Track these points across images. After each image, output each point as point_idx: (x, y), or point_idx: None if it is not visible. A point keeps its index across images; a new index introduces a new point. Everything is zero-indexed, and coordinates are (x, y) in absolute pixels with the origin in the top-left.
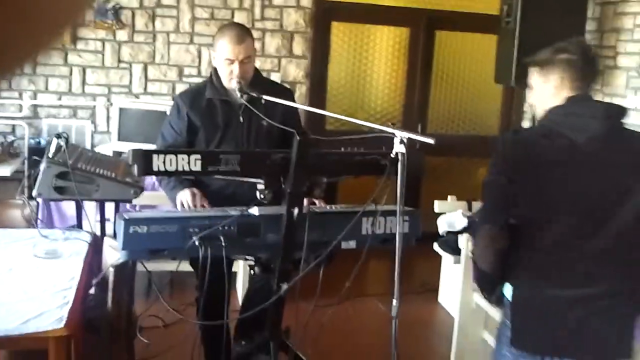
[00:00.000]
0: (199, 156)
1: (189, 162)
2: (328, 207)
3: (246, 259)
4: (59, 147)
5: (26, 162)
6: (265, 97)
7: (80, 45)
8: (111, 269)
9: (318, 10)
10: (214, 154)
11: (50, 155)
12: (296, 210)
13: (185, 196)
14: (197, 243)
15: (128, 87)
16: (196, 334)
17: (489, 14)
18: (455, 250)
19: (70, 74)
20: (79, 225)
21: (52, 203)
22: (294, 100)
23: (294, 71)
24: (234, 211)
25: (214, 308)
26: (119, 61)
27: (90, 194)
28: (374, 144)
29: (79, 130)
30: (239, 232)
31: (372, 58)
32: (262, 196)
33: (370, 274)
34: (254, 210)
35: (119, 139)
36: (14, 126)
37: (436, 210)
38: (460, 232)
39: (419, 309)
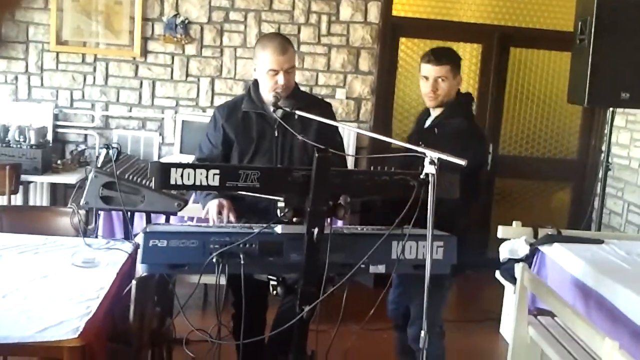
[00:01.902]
0: (217, 171)
1: (207, 177)
2: (359, 228)
3: (269, 279)
4: (108, 158)
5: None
6: (298, 112)
7: (150, 58)
8: (133, 282)
9: (385, 26)
10: (232, 169)
11: (98, 165)
12: (316, 230)
13: (212, 207)
14: (214, 260)
15: (195, 100)
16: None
17: (565, 31)
18: (515, 279)
19: (141, 86)
20: (126, 236)
21: (113, 212)
22: (331, 115)
23: (360, 87)
24: (258, 229)
25: (249, 328)
26: (187, 75)
27: (135, 204)
28: None
29: (147, 142)
30: (261, 250)
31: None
32: (282, 214)
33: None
34: (277, 229)
35: (181, 151)
36: (85, 136)
37: (499, 235)
38: (522, 260)
39: (478, 338)
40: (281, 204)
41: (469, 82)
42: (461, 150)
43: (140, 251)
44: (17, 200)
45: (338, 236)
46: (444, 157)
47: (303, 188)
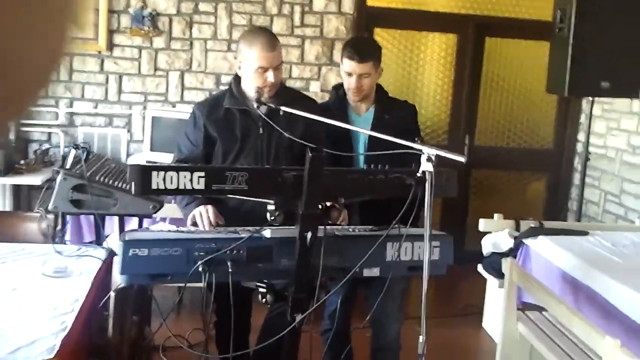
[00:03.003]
0: (202, 173)
1: (191, 180)
2: (350, 229)
3: (257, 286)
4: (77, 158)
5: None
6: (283, 108)
7: (116, 52)
8: (112, 294)
9: (360, 17)
10: (219, 171)
11: (67, 166)
12: (309, 234)
13: (198, 213)
14: (200, 269)
15: (164, 95)
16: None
17: (542, 20)
18: (500, 273)
19: (107, 81)
20: (98, 241)
21: (82, 216)
22: (317, 111)
23: (334, 79)
24: (244, 233)
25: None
26: (156, 69)
27: (108, 208)
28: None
29: (114, 139)
30: (249, 257)
31: (417, 66)
32: (272, 217)
33: (412, 293)
34: (266, 233)
35: (152, 149)
36: (49, 134)
37: (481, 229)
38: (506, 253)
39: (461, 333)
40: (271, 207)
41: (444, 72)
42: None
43: (119, 261)
44: None
45: (331, 239)
46: (442, 153)
47: (294, 189)
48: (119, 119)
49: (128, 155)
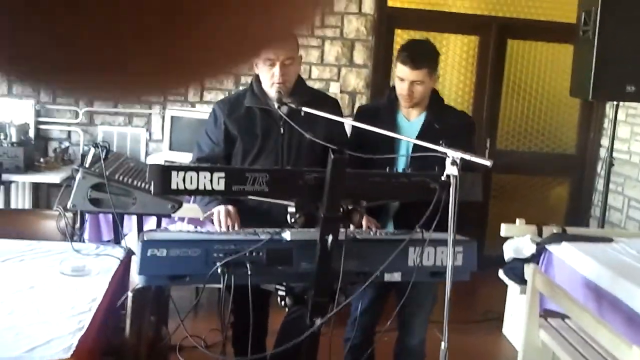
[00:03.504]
0: (222, 174)
1: (211, 181)
2: (372, 233)
3: (277, 289)
4: (96, 157)
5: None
6: (304, 108)
7: None
8: (130, 294)
9: (381, 18)
10: (239, 172)
11: (87, 165)
12: (330, 237)
13: (216, 213)
14: (219, 270)
15: (184, 95)
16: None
17: (566, 22)
18: (522, 279)
19: None
20: (116, 240)
21: (100, 215)
22: (339, 112)
23: (354, 81)
24: (264, 235)
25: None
26: None
27: (127, 207)
28: None
29: (133, 138)
30: (269, 259)
31: (438, 68)
32: (292, 220)
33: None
34: (286, 235)
35: (170, 149)
36: (69, 132)
37: (502, 234)
38: (528, 259)
39: (481, 339)
40: (292, 209)
41: (465, 74)
42: (471, 145)
43: (137, 261)
44: None
45: (352, 243)
46: (468, 157)
47: (316, 192)
48: (139, 118)
49: (147, 154)
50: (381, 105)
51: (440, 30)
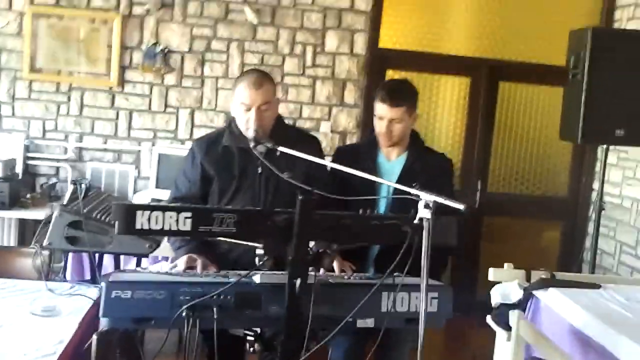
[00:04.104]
0: (189, 214)
1: (177, 221)
2: (346, 276)
3: (245, 334)
4: (75, 194)
5: None
6: (281, 148)
7: (127, 88)
8: (94, 337)
9: (372, 58)
10: (206, 212)
11: (65, 202)
12: (299, 281)
13: (180, 265)
14: (184, 314)
15: (174, 133)
16: None
17: (557, 65)
18: (508, 326)
19: (117, 117)
20: (93, 280)
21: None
22: (318, 151)
23: (345, 120)
24: (234, 277)
25: None
26: (166, 105)
27: (103, 245)
28: None
29: (122, 175)
30: (237, 303)
31: (429, 109)
32: (260, 262)
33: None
34: (256, 278)
35: (157, 186)
36: (57, 168)
37: (490, 278)
38: (515, 305)
39: None
40: (260, 251)
41: (457, 116)
42: (452, 189)
43: (102, 303)
44: None
45: (323, 287)
46: (442, 200)
47: (285, 233)
48: (128, 154)
49: (135, 191)
50: (361, 146)
51: (431, 71)
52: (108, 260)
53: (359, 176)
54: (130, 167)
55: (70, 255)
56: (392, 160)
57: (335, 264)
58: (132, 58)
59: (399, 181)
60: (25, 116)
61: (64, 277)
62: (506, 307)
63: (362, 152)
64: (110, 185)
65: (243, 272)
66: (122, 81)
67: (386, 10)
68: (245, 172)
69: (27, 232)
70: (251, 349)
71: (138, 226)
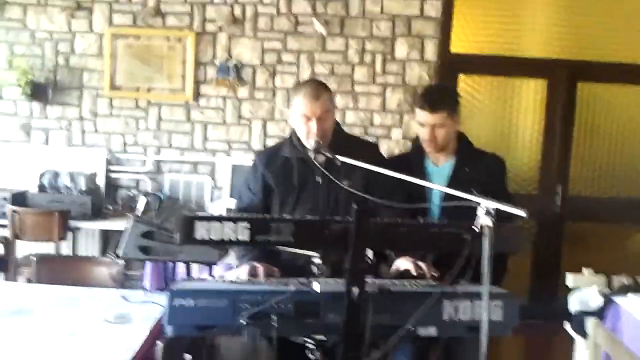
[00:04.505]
0: (247, 224)
1: (235, 231)
2: (407, 285)
3: (305, 342)
4: (148, 206)
5: None
6: (339, 157)
7: (202, 102)
8: (159, 344)
9: (443, 63)
10: (263, 222)
11: (138, 213)
12: (356, 290)
13: (242, 274)
14: (244, 322)
15: (247, 144)
16: None
17: (637, 63)
18: (587, 334)
19: (193, 130)
20: (166, 288)
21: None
22: (378, 158)
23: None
24: (294, 285)
25: None
26: (240, 118)
27: (174, 254)
28: None
29: (198, 186)
30: (296, 311)
31: (504, 113)
32: (318, 271)
33: (502, 350)
34: (315, 286)
35: (231, 196)
36: (138, 181)
37: (569, 284)
38: (595, 312)
39: None
40: (317, 260)
41: (534, 119)
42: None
43: (166, 311)
44: (67, 247)
45: (381, 295)
46: (501, 206)
47: (342, 242)
48: (204, 166)
49: (212, 201)
50: (408, 155)
51: (506, 74)
52: (182, 269)
53: (410, 185)
54: (206, 177)
55: (149, 264)
56: (440, 165)
57: (422, 264)
58: (206, 73)
59: (449, 186)
60: (107, 131)
61: (143, 285)
62: (585, 315)
63: (410, 161)
64: (187, 196)
65: (302, 280)
66: (197, 95)
67: (456, 15)
68: (305, 183)
69: (110, 242)
70: (312, 357)
71: (198, 237)
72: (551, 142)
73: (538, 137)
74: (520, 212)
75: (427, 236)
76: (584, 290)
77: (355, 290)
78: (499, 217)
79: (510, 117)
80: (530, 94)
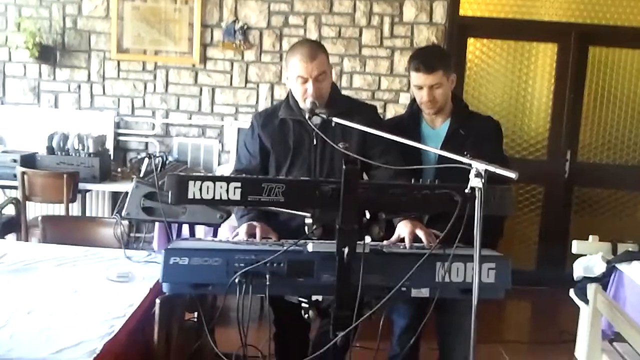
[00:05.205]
0: (238, 184)
1: (227, 191)
2: (402, 246)
3: (299, 301)
4: (150, 167)
5: None
6: (335, 119)
7: (209, 65)
8: (157, 301)
9: (452, 26)
10: (255, 182)
11: (141, 175)
12: (347, 250)
13: (241, 232)
14: (237, 280)
15: (255, 107)
16: None
17: None
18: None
19: (200, 93)
20: None
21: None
22: (375, 120)
23: None
24: (286, 246)
25: (291, 348)
26: (247, 81)
27: (177, 215)
28: None
29: (207, 150)
30: (289, 270)
31: (513, 77)
32: (309, 231)
33: (507, 316)
34: (309, 246)
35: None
36: (146, 144)
37: (574, 251)
38: (598, 278)
39: None
40: (309, 220)
41: (544, 84)
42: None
43: (161, 269)
44: (75, 208)
45: (374, 256)
46: (492, 169)
47: (333, 203)
48: (212, 129)
49: (219, 164)
50: (404, 118)
51: (515, 38)
52: (186, 231)
53: (406, 147)
54: (214, 141)
55: (157, 225)
56: (436, 128)
57: (421, 233)
58: (213, 36)
59: (443, 148)
60: (115, 94)
61: (151, 247)
62: (589, 281)
63: (406, 124)
64: (196, 159)
65: (294, 241)
66: (204, 59)
67: None
68: (300, 145)
69: (119, 203)
70: (306, 315)
71: (190, 196)
72: (561, 107)
73: (547, 102)
74: (511, 174)
75: (418, 198)
76: (588, 257)
77: (345, 250)
78: (493, 179)
79: (519, 82)
80: (540, 58)
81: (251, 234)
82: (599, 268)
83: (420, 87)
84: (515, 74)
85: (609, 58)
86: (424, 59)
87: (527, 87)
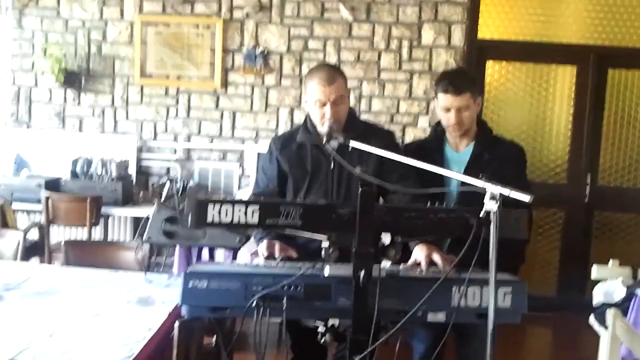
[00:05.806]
0: (256, 207)
1: (245, 214)
2: (419, 270)
3: (316, 326)
4: (171, 192)
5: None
6: (352, 143)
7: (230, 89)
8: (176, 324)
9: (471, 49)
10: (273, 205)
11: (162, 199)
12: (363, 273)
13: (260, 249)
14: (254, 304)
15: (275, 131)
16: None
17: None
18: None
19: (221, 117)
20: None
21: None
22: (391, 145)
23: None
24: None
25: None
26: (267, 105)
27: (197, 239)
28: None
29: (227, 174)
30: (306, 294)
31: (532, 100)
32: (326, 254)
33: (527, 342)
34: (325, 270)
35: None
36: (168, 168)
37: (593, 276)
38: (618, 304)
39: None
40: (325, 244)
41: (561, 106)
42: (523, 178)
43: (180, 292)
44: (98, 232)
45: (390, 280)
46: (506, 192)
47: (349, 226)
48: (232, 153)
49: (239, 188)
50: (428, 141)
51: (533, 60)
52: (206, 256)
53: (428, 171)
54: (235, 165)
55: (177, 250)
56: (460, 151)
57: (437, 257)
58: (234, 60)
59: (466, 172)
60: (138, 119)
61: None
62: (609, 307)
63: (429, 147)
64: (216, 183)
65: (311, 264)
66: (225, 83)
67: (484, 0)
68: (318, 168)
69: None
70: (322, 340)
71: (209, 219)
72: (581, 130)
73: (567, 125)
74: (525, 197)
75: (434, 221)
76: (608, 282)
77: (362, 274)
78: (510, 203)
79: (538, 105)
80: (559, 81)
81: (269, 252)
82: (619, 293)
83: (447, 109)
84: (534, 96)
85: (629, 80)
86: (453, 80)
87: (546, 110)
